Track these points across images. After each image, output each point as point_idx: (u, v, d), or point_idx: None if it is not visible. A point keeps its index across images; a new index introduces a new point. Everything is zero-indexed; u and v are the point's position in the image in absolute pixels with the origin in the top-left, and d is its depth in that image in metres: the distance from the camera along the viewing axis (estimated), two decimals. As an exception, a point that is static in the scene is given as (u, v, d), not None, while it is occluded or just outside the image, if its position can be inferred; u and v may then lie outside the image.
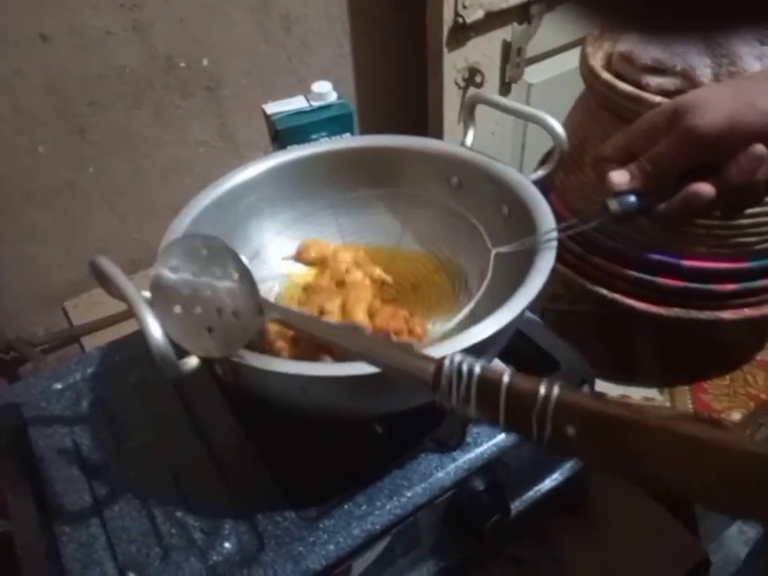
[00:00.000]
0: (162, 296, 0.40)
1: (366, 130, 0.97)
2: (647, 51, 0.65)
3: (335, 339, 0.37)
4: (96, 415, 0.54)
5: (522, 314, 0.41)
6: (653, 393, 0.73)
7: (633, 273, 0.68)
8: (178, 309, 0.40)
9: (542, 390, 0.26)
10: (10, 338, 0.84)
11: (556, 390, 0.26)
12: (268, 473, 0.47)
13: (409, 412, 0.46)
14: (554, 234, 0.46)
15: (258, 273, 0.59)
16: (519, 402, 0.26)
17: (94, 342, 0.83)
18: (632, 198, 0.44)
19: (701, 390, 0.72)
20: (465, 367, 0.28)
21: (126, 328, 0.85)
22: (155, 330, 0.36)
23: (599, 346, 0.78)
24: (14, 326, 0.88)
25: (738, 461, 0.21)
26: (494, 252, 0.51)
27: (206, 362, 0.40)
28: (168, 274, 0.41)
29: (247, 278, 0.39)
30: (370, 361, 0.34)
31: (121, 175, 0.87)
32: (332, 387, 0.41)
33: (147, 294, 0.43)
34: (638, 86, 0.64)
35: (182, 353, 0.39)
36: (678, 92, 0.63)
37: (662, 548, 0.59)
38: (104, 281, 0.41)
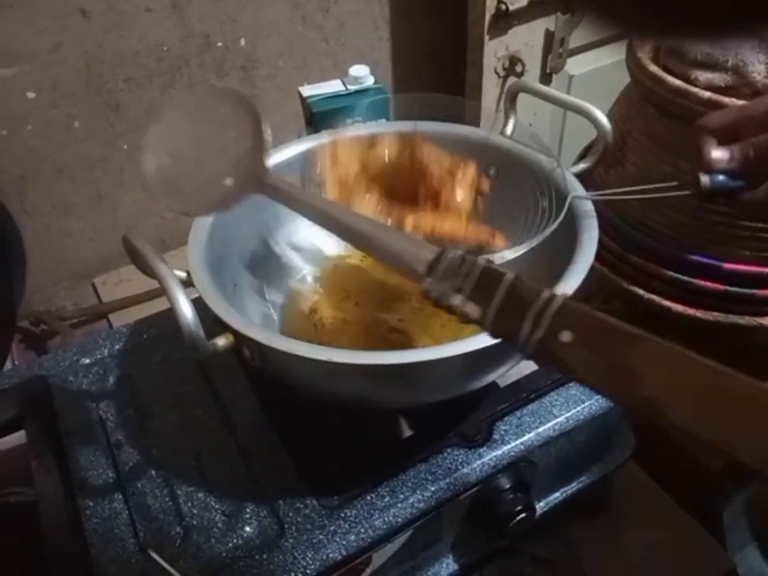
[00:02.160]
0: (162, 136, 0.39)
1: (401, 116, 0.95)
2: (697, 45, 0.63)
3: (337, 216, 0.35)
4: (121, 391, 0.54)
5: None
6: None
7: (671, 273, 0.66)
8: (167, 159, 0.39)
9: (547, 292, 0.24)
10: (40, 311, 0.85)
11: (561, 296, 0.24)
12: (290, 459, 0.47)
13: (435, 405, 0.46)
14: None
15: (293, 258, 0.59)
16: (518, 298, 0.25)
17: (121, 319, 0.83)
18: (723, 178, 0.43)
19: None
20: (469, 258, 0.27)
21: (154, 307, 0.85)
22: (186, 309, 0.36)
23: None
24: (43, 300, 0.89)
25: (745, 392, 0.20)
26: (571, 195, 0.48)
27: (234, 344, 0.39)
28: (178, 116, 0.39)
29: (259, 143, 0.37)
30: (369, 242, 0.32)
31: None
32: (359, 375, 0.40)
33: (180, 273, 0.42)
34: (687, 80, 0.62)
35: (212, 333, 0.38)
36: (728, 88, 0.61)
37: (687, 555, 0.57)
38: (136, 257, 0.41)
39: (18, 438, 0.52)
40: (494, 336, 0.26)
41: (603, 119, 0.49)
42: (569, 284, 0.40)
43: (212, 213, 0.39)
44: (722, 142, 0.45)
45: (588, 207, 0.47)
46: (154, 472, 0.47)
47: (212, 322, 0.39)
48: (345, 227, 0.34)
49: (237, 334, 0.39)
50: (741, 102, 0.54)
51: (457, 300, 0.26)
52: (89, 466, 0.48)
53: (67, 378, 0.54)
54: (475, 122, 0.96)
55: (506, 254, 0.47)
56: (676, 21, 0.15)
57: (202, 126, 0.39)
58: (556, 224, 0.46)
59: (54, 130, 0.79)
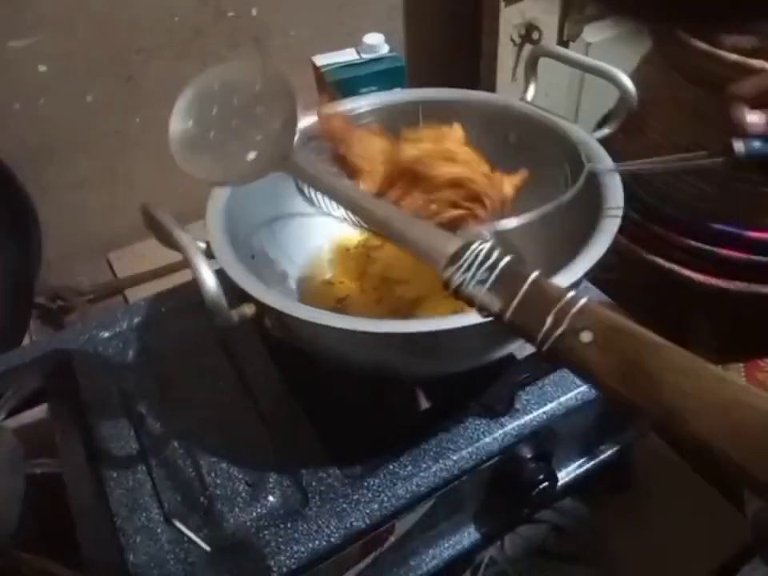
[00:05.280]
0: (193, 102, 0.40)
1: (415, 86, 0.94)
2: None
3: (360, 201, 0.35)
4: (142, 364, 0.54)
5: (584, 276, 0.39)
6: (705, 368, 0.70)
7: (693, 243, 0.65)
8: (194, 125, 0.39)
9: (572, 293, 0.24)
10: (56, 285, 0.85)
11: (585, 297, 0.24)
12: (313, 429, 0.47)
13: (456, 376, 0.45)
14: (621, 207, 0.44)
15: (309, 229, 0.58)
16: (542, 295, 0.25)
17: (137, 295, 0.83)
18: (758, 144, 0.42)
19: (756, 368, 0.70)
20: (496, 252, 0.27)
21: (169, 282, 0.86)
22: (209, 277, 0.35)
23: (649, 320, 0.76)
24: (59, 275, 0.89)
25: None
26: (587, 167, 0.47)
27: (256, 314, 0.39)
28: (211, 84, 0.40)
29: (290, 123, 0.37)
30: (391, 229, 0.32)
31: (167, 126, 0.86)
32: (382, 344, 0.40)
33: (200, 244, 0.42)
34: (712, 43, 0.60)
35: (234, 302, 0.38)
36: (754, 50, 0.59)
37: (710, 527, 0.57)
38: (155, 228, 0.41)
39: (41, 411, 0.52)
40: (511, 330, 0.26)
41: (628, 83, 0.48)
42: (586, 260, 0.39)
43: (231, 185, 0.38)
44: (755, 108, 0.43)
45: (614, 180, 0.46)
46: (176, 443, 0.48)
47: (232, 294, 0.39)
48: (368, 213, 0.34)
49: (259, 304, 0.39)
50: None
51: (478, 291, 0.26)
52: (112, 437, 0.48)
53: (88, 352, 0.55)
54: (490, 91, 0.95)
55: (515, 221, 0.46)
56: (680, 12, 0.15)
57: (234, 99, 0.39)
58: (571, 194, 0.45)
59: (66, 104, 0.79)
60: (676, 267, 0.66)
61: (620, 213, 0.43)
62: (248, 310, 0.39)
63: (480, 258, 0.26)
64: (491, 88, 0.95)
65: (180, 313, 0.58)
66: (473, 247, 0.27)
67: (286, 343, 0.44)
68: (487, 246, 0.27)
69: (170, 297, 0.60)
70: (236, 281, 0.39)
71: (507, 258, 0.26)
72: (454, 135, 0.48)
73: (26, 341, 0.78)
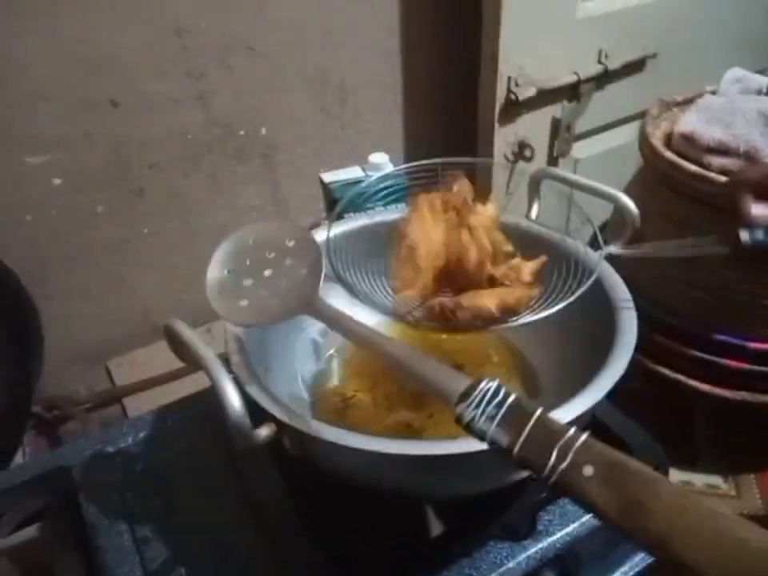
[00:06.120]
0: (229, 253, 0.44)
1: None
2: (709, 132, 0.66)
3: (375, 342, 0.37)
4: (147, 482, 0.52)
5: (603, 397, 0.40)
6: (716, 480, 0.69)
7: (696, 353, 0.66)
8: (225, 272, 0.43)
9: (573, 429, 0.27)
10: (53, 395, 0.83)
11: (586, 433, 0.27)
12: (324, 557, 0.45)
13: (476, 496, 0.44)
14: (633, 310, 0.45)
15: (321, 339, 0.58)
16: (547, 431, 0.27)
17: (136, 403, 0.82)
18: (763, 235, 0.43)
19: (768, 480, 0.69)
20: (502, 390, 0.29)
21: (169, 390, 0.84)
22: (234, 399, 0.35)
23: (656, 428, 0.75)
24: (56, 383, 0.87)
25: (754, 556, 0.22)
26: (605, 250, 0.51)
27: (277, 433, 0.38)
28: (246, 239, 0.44)
29: (315, 274, 0.41)
30: (404, 366, 0.34)
31: (173, 236, 0.89)
32: (402, 465, 0.39)
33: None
34: (701, 165, 0.64)
35: (256, 422, 0.37)
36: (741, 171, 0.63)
37: None
38: (177, 344, 0.41)
39: (41, 529, 0.50)
40: (518, 464, 0.28)
41: (631, 205, 0.51)
42: (604, 382, 0.40)
43: (260, 326, 0.42)
44: (759, 197, 0.45)
45: (630, 309, 0.47)
46: (183, 570, 0.45)
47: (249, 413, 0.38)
48: (384, 353, 0.36)
49: (280, 424, 0.38)
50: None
51: (487, 426, 0.29)
52: (116, 562, 0.46)
53: (91, 469, 0.53)
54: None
55: (527, 318, 0.47)
56: None
57: (266, 252, 0.43)
58: (585, 287, 0.46)
59: (77, 215, 0.80)
60: (681, 377, 0.67)
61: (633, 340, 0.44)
62: (269, 429, 0.38)
63: (488, 395, 0.29)
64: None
65: (185, 427, 0.57)
66: (481, 385, 0.30)
67: (297, 461, 0.43)
68: (494, 384, 0.30)
69: (176, 409, 0.59)
70: (259, 401, 0.39)
71: (513, 396, 0.29)
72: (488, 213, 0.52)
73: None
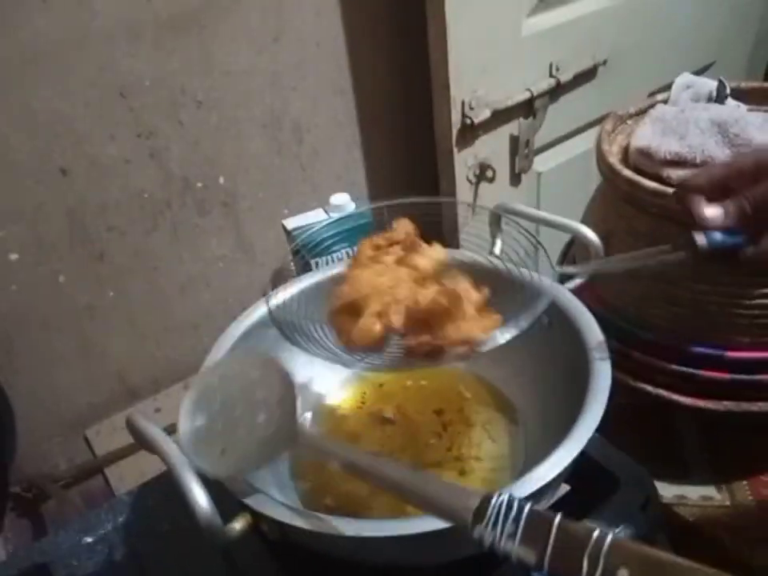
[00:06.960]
0: (197, 401, 0.40)
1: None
2: (665, 145, 0.65)
3: (372, 468, 0.35)
4: (129, 571, 0.50)
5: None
6: (710, 491, 0.68)
7: (676, 367, 0.65)
8: (200, 421, 0.39)
9: (597, 531, 0.26)
10: (31, 473, 0.81)
11: (611, 533, 0.26)
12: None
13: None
14: (606, 351, 0.44)
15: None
16: (571, 539, 0.26)
17: (118, 472, 0.80)
18: (720, 236, 0.41)
19: (761, 485, 0.68)
20: (516, 503, 0.28)
21: (150, 456, 0.82)
22: (201, 498, 0.34)
23: (644, 444, 0.75)
24: (34, 458, 0.85)
25: None
26: (557, 271, 0.50)
27: (252, 523, 0.37)
28: (210, 381, 0.41)
29: (289, 402, 0.38)
30: (406, 491, 0.33)
31: (139, 295, 0.87)
32: (381, 545, 0.38)
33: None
34: (659, 179, 0.64)
35: (227, 517, 0.36)
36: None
37: None
38: (140, 438, 0.40)
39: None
40: None
41: (593, 236, 0.50)
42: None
43: (244, 474, 0.40)
44: (711, 200, 0.43)
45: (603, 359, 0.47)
46: None
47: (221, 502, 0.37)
48: (382, 478, 0.34)
49: (255, 513, 0.37)
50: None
51: (511, 546, 0.27)
52: None
53: (70, 563, 0.51)
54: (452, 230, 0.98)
55: (496, 339, 0.46)
56: None
57: (234, 389, 0.40)
58: (532, 320, 0.46)
59: (38, 287, 0.79)
60: (663, 392, 0.66)
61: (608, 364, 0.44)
62: (244, 520, 0.37)
63: (503, 510, 0.28)
64: (453, 228, 0.98)
65: (167, 505, 0.55)
66: (493, 501, 0.28)
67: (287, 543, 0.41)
68: (506, 497, 0.28)
69: (156, 486, 0.57)
70: (234, 494, 0.38)
71: (528, 507, 0.28)
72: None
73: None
